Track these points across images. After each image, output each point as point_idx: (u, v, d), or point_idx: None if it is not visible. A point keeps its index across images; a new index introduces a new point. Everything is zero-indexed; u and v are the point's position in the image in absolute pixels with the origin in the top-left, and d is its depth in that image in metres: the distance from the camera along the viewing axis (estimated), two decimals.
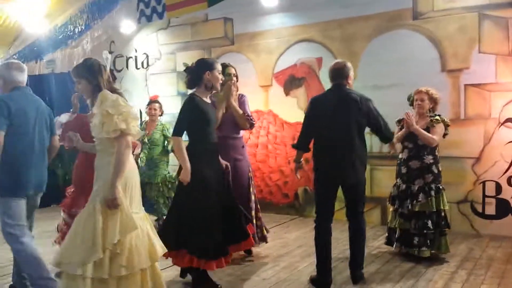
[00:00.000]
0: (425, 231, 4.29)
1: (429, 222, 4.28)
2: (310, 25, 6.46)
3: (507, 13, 5.20)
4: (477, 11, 5.38)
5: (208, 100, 3.76)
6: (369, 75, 6.02)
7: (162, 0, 7.69)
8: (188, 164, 3.49)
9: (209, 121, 3.67)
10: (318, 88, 6.40)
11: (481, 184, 5.35)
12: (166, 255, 3.37)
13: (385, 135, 3.95)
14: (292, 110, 6.58)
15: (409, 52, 5.76)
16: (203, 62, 3.76)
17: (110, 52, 8.25)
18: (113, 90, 2.98)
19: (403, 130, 4.53)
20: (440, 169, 4.43)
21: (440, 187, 4.39)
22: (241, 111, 4.44)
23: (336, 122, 3.70)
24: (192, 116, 3.58)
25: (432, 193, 4.33)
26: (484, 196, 5.33)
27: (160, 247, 2.94)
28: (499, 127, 5.26)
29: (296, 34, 6.58)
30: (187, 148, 3.59)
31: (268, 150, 6.76)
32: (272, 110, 6.78)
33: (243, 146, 4.64)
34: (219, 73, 3.73)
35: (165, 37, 7.86)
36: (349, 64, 3.89)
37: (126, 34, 8.08)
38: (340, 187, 3.83)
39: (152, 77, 8.03)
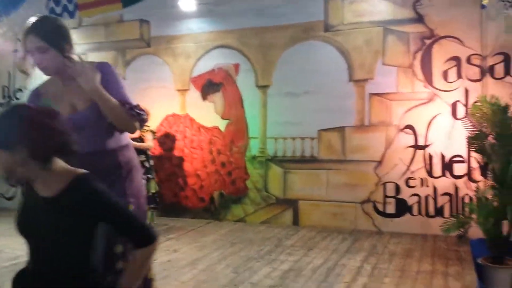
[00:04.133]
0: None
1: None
2: (228, 32, 6.58)
3: (408, 28, 5.70)
4: (382, 25, 5.83)
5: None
6: (283, 82, 6.27)
7: None
8: None
9: None
10: (235, 93, 6.54)
11: (382, 185, 5.79)
12: None
13: None
14: (209, 114, 6.65)
15: (321, 62, 6.08)
16: None
17: (15, 51, 7.86)
18: None
19: None
20: (152, 163, 5.96)
21: (150, 176, 5.89)
22: (113, 100, 2.20)
23: None
24: None
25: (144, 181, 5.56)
26: (385, 196, 5.77)
27: None
28: (399, 133, 5.74)
29: (214, 39, 6.67)
30: None
31: (184, 154, 6.76)
32: (189, 114, 6.79)
33: (130, 170, 2.35)
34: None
35: (76, 36, 7.53)
36: None
37: None
38: None
39: None
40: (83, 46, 7.47)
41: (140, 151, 5.76)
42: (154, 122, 6.78)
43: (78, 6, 7.37)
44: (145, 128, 6.01)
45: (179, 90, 6.89)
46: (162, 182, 6.71)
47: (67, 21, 7.61)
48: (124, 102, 2.24)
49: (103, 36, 7.38)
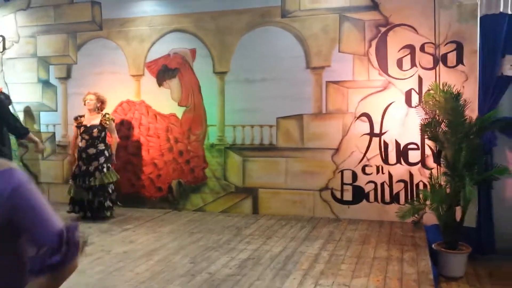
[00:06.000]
0: (101, 199, 5.80)
1: (106, 193, 5.83)
2: (184, 15, 6.41)
3: (364, 15, 5.73)
4: (338, 12, 5.82)
5: None
6: (241, 68, 6.18)
7: None
8: None
9: None
10: (192, 79, 6.39)
11: (340, 172, 5.85)
12: None
13: (14, 132, 5.52)
14: (166, 101, 6.48)
15: (278, 49, 6.02)
16: None
17: None
18: None
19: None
20: (111, 152, 5.92)
21: (110, 165, 5.90)
22: None
23: None
24: None
25: (105, 170, 5.81)
26: (343, 183, 5.83)
27: None
28: (355, 121, 5.79)
29: (169, 23, 6.47)
30: None
31: (141, 142, 6.58)
32: (145, 100, 6.59)
33: None
34: None
35: (24, 18, 7.15)
36: None
37: None
38: None
39: (8, 61, 7.25)
40: (32, 28, 7.11)
41: (101, 140, 5.88)
42: (108, 108, 6.54)
43: None
44: (107, 116, 5.90)
45: (133, 76, 6.67)
46: (118, 171, 6.52)
47: (14, 3, 7.27)
48: (49, 247, 1.33)
49: (53, 18, 7.03)
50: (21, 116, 6.91)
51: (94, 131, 5.82)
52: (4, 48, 7.29)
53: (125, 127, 6.62)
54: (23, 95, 7.05)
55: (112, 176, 5.91)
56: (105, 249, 4.59)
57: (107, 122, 5.85)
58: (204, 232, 5.22)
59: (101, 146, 5.85)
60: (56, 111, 7.00)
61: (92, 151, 5.81)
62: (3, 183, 1.32)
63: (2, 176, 1.33)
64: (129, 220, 5.87)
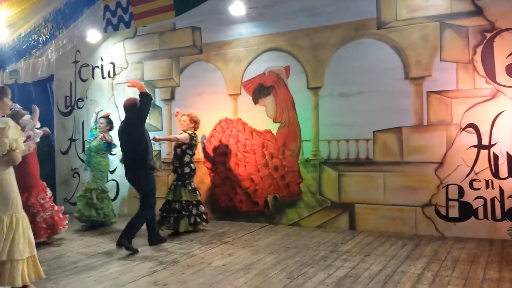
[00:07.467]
0: (164, 214, 6.06)
1: (165, 208, 6.08)
2: (278, 34, 6.54)
3: (467, 22, 5.42)
4: (438, 20, 5.57)
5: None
6: (336, 83, 6.14)
7: (129, 9, 7.64)
8: None
9: None
10: (287, 96, 6.47)
11: (445, 188, 5.50)
12: None
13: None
14: (261, 118, 6.63)
15: (374, 61, 5.90)
16: None
17: (75, 62, 8.23)
18: None
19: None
20: (186, 171, 6.09)
21: (180, 183, 6.07)
22: None
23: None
24: None
25: (172, 187, 6.11)
26: (448, 199, 5.48)
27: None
28: (461, 132, 5.44)
29: (264, 43, 6.65)
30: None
31: (238, 158, 6.78)
32: (241, 118, 6.80)
33: None
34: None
35: (132, 46, 7.80)
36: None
37: (91, 43, 7.96)
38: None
39: (118, 86, 7.92)
40: (139, 55, 7.71)
41: (177, 158, 6.16)
42: (207, 127, 6.85)
43: (133, 16, 7.64)
44: (189, 131, 6.15)
45: (231, 95, 6.92)
46: (217, 186, 6.77)
47: (123, 31, 7.93)
48: None
49: (157, 45, 7.56)
50: None
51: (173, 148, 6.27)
52: (114, 74, 7.98)
53: (223, 144, 6.88)
54: None
55: (183, 195, 6.01)
56: (205, 261, 4.76)
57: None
58: (300, 247, 5.19)
59: (176, 164, 6.16)
60: (162, 130, 7.46)
61: (172, 166, 6.33)
62: None
63: None
64: (227, 233, 6.03)
